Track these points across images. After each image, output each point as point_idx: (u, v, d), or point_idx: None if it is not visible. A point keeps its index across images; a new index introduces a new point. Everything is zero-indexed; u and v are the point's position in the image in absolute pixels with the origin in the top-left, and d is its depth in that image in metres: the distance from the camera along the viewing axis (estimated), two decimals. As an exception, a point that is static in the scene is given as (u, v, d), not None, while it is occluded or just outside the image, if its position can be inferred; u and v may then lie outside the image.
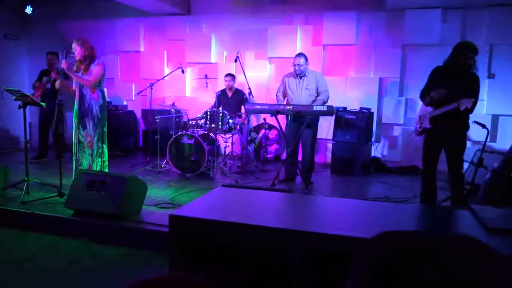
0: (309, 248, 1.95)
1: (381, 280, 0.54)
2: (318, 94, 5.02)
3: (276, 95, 5.21)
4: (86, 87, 4.30)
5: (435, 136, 3.79)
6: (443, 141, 3.76)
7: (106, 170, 4.49)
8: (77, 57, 4.28)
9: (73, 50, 4.27)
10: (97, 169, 4.36)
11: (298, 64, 4.93)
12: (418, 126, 4.03)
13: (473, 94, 3.59)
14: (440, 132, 3.75)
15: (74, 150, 4.41)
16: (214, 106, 5.84)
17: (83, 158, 4.38)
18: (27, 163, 4.27)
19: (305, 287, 1.97)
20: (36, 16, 7.46)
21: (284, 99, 5.16)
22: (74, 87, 4.44)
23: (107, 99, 7.55)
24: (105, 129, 4.43)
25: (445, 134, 3.73)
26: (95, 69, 4.29)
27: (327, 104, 4.93)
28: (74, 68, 4.32)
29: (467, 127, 3.74)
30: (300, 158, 5.30)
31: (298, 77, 5.01)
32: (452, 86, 3.57)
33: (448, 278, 0.52)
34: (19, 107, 4.22)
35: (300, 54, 5.01)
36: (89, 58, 4.31)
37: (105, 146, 4.43)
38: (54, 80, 5.31)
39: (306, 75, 5.01)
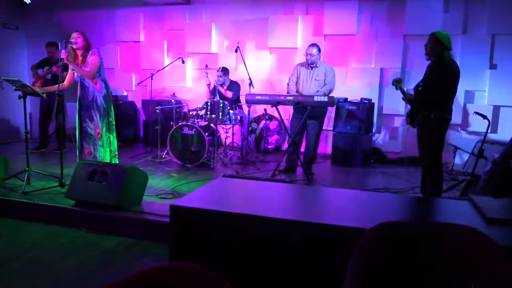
0: (309, 238, 1.96)
1: (380, 269, 0.54)
2: (324, 85, 5.00)
3: (288, 85, 5.13)
4: (86, 78, 4.29)
5: (418, 129, 3.88)
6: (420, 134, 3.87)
7: (116, 159, 4.51)
8: (77, 45, 4.25)
9: (74, 40, 4.24)
10: (108, 159, 4.38)
11: (310, 54, 4.91)
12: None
13: (437, 83, 3.61)
14: (418, 125, 3.85)
15: (78, 143, 4.40)
16: (212, 95, 5.83)
17: (96, 151, 4.39)
18: (28, 153, 4.28)
19: (305, 277, 1.98)
20: (35, 5, 7.39)
21: (295, 89, 5.12)
22: (66, 83, 4.41)
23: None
24: (112, 119, 4.44)
25: (419, 128, 3.83)
26: (91, 58, 4.29)
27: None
28: (70, 59, 4.31)
29: (438, 121, 3.67)
30: (303, 149, 5.31)
31: (309, 67, 5.00)
32: (426, 77, 3.78)
33: (447, 267, 0.53)
34: (19, 97, 4.21)
35: (313, 44, 4.99)
36: (86, 50, 4.32)
37: (111, 136, 4.44)
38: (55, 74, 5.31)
39: (317, 66, 4.98)
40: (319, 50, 4.97)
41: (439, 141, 3.72)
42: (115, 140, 4.51)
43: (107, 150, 4.40)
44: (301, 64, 5.11)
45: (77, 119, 4.40)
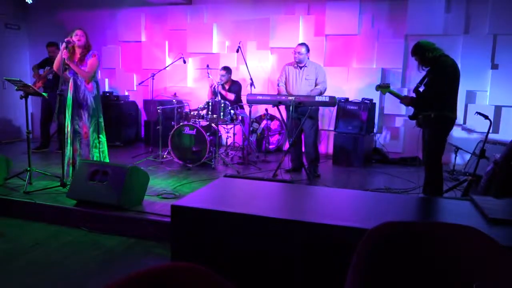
0: (310, 239, 1.96)
1: (382, 268, 0.54)
2: (316, 85, 5.03)
3: (278, 85, 5.18)
4: (82, 77, 4.29)
5: (422, 130, 3.91)
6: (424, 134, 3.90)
7: (107, 160, 4.49)
8: (79, 43, 4.25)
9: (78, 37, 4.24)
10: (95, 159, 4.38)
11: (298, 52, 4.95)
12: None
13: (433, 82, 3.67)
14: (423, 125, 3.88)
15: (69, 140, 4.39)
16: (214, 96, 5.83)
17: (81, 149, 4.39)
18: (29, 153, 4.29)
19: (306, 277, 1.98)
20: (37, 5, 7.41)
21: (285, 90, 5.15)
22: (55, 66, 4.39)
23: (108, 90, 7.56)
24: (101, 120, 4.43)
25: (424, 127, 3.86)
26: (91, 60, 4.29)
27: (325, 94, 4.93)
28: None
29: (438, 120, 3.67)
30: (303, 149, 5.31)
31: (298, 67, 5.03)
32: (423, 77, 3.82)
33: (449, 267, 0.53)
34: (21, 97, 4.22)
35: (302, 44, 5.07)
36: (86, 49, 4.32)
37: (102, 137, 4.43)
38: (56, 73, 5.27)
39: (306, 65, 5.02)
40: (308, 50, 5.01)
41: (439, 140, 3.71)
42: (105, 140, 4.49)
43: (93, 151, 4.38)
44: (289, 64, 5.14)
45: (68, 117, 4.39)
